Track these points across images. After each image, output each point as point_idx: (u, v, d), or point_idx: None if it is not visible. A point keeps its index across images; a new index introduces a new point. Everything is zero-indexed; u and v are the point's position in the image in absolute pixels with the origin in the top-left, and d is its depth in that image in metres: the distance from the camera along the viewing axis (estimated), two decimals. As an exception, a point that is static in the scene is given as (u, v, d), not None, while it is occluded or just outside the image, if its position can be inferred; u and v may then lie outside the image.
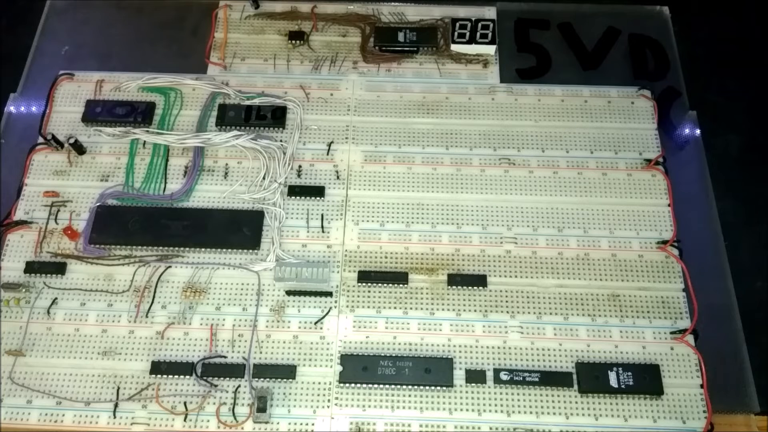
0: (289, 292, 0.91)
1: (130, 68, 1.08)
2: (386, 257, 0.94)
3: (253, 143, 1.00)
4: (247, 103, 1.04)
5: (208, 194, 0.98)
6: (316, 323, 0.90)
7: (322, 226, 0.96)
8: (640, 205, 0.97)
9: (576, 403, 0.85)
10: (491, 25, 1.09)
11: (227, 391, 0.85)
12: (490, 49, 1.08)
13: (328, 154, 1.01)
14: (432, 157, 1.00)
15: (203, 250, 0.94)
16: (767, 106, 1.23)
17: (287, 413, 0.85)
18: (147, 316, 0.90)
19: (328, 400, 0.85)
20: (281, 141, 1.01)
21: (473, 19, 1.10)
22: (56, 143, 1.00)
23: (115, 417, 0.84)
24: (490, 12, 1.13)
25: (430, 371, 0.86)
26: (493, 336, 0.89)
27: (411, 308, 0.91)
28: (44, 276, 0.92)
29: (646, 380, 0.85)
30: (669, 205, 0.97)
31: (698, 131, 1.05)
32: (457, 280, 0.91)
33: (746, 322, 0.91)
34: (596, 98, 1.05)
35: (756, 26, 1.31)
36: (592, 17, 1.13)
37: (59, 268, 0.92)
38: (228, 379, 0.86)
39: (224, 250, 0.94)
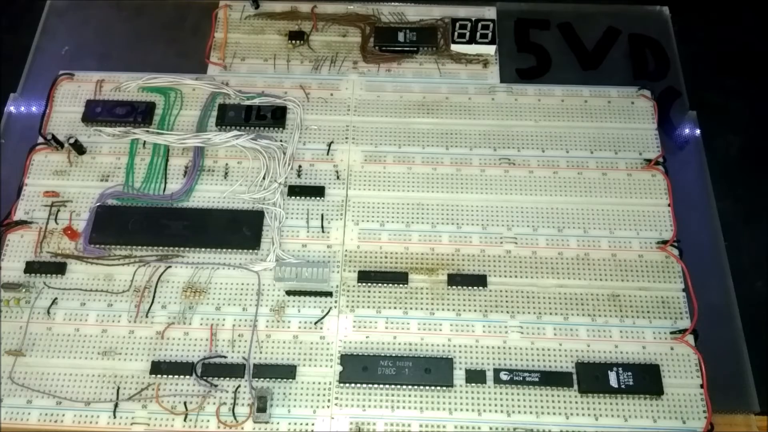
0: (289, 292, 0.91)
1: (130, 68, 1.08)
2: (386, 257, 0.94)
3: (253, 143, 1.00)
4: (247, 103, 1.04)
5: (208, 194, 0.98)
6: (316, 323, 0.90)
7: (322, 226, 0.96)
8: (640, 205, 0.97)
9: (576, 403, 0.85)
10: (491, 25, 1.09)
11: (227, 391, 0.85)
12: (490, 49, 1.08)
13: (328, 154, 1.01)
14: (432, 157, 1.00)
15: (203, 250, 0.94)
16: (767, 107, 1.23)
17: (287, 413, 0.85)
18: (147, 316, 0.90)
19: (328, 400, 0.85)
20: (281, 141, 1.01)
21: (473, 19, 1.10)
22: (56, 143, 1.00)
23: (115, 417, 0.84)
24: (490, 12, 1.13)
25: (430, 371, 0.86)
26: (493, 336, 0.89)
27: (411, 308, 0.91)
28: (44, 276, 0.92)
29: (646, 380, 0.85)
30: (669, 205, 0.97)
31: (698, 131, 1.05)
32: (457, 280, 0.91)
33: (746, 322, 0.91)
34: (596, 98, 1.05)
35: (756, 26, 1.31)
36: (592, 17, 1.13)
37: (59, 268, 0.92)
38: (228, 379, 0.86)
39: (224, 250, 0.94)
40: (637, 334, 0.89)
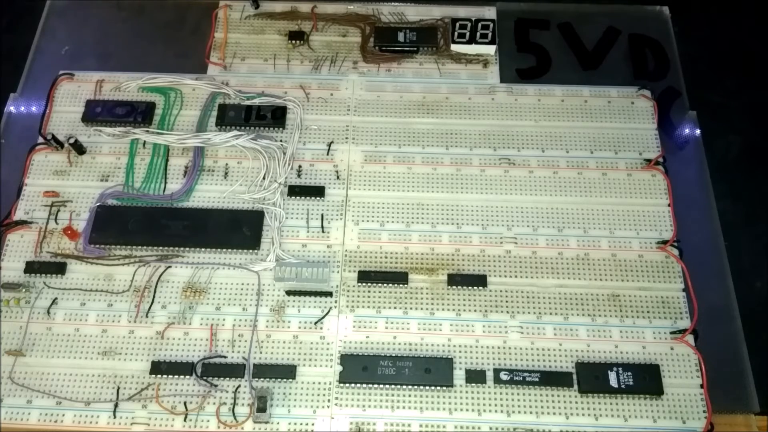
0: (289, 292, 0.91)
1: (130, 68, 1.08)
2: (386, 257, 0.94)
3: (253, 143, 1.00)
4: (247, 103, 1.04)
5: (208, 194, 0.98)
6: (316, 323, 0.90)
7: (322, 226, 0.96)
8: (640, 205, 0.97)
9: (576, 403, 0.85)
10: (491, 25, 1.09)
11: (227, 391, 0.85)
12: (490, 49, 1.08)
13: (328, 154, 1.01)
14: (432, 157, 1.00)
15: (203, 250, 0.94)
16: (767, 107, 1.23)
17: (287, 413, 0.85)
18: (147, 316, 0.90)
19: (328, 400, 0.85)
20: (281, 141, 1.01)
21: (473, 19, 1.10)
22: (56, 143, 1.00)
23: (115, 417, 0.84)
24: (490, 12, 1.13)
25: (430, 371, 0.86)
26: (493, 336, 0.89)
27: (411, 308, 0.91)
28: (44, 276, 0.92)
29: (646, 380, 0.85)
30: (669, 205, 0.97)
31: (698, 131, 1.05)
32: (457, 280, 0.91)
33: (746, 322, 0.91)
34: (596, 98, 1.05)
35: (756, 26, 1.31)
36: (592, 17, 1.13)
37: (59, 268, 0.92)
38: (228, 379, 0.86)
39: (224, 250, 0.94)
40: (637, 334, 0.89)
